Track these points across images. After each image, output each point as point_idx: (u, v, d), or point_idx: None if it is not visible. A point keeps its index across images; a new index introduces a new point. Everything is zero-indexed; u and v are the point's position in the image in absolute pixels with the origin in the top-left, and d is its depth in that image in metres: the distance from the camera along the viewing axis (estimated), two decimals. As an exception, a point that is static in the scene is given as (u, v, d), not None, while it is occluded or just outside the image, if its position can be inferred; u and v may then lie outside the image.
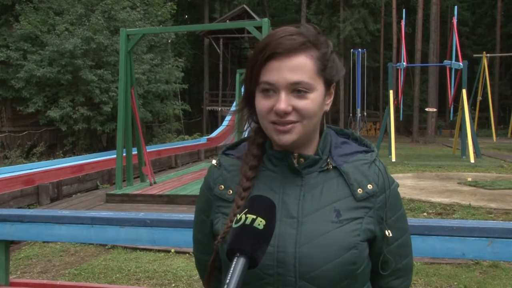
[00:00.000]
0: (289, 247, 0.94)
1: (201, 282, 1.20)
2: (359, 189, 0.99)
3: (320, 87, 0.96)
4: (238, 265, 0.80)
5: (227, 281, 0.78)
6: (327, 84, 0.98)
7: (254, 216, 0.83)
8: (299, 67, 0.92)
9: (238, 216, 0.85)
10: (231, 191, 1.03)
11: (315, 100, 0.94)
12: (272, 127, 0.95)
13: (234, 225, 0.85)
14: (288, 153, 0.99)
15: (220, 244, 0.96)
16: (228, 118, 24.11)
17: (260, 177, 1.02)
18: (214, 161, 1.10)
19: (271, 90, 0.93)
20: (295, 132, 0.94)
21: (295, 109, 0.93)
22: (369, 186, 0.99)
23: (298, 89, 0.92)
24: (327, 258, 0.93)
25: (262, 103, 0.95)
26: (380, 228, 1.00)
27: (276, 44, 0.92)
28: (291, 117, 0.93)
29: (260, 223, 0.82)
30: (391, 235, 1.01)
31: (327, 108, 1.01)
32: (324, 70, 0.96)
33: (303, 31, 0.95)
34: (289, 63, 0.92)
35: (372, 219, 0.99)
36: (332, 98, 1.02)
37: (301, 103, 0.93)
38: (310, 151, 1.01)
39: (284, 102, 0.92)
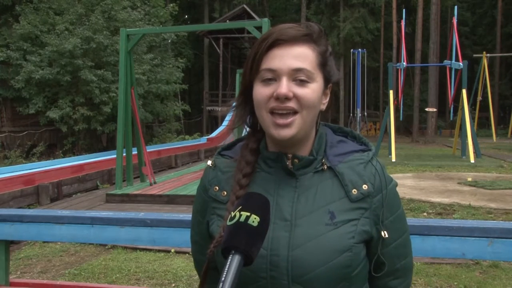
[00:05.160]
0: (282, 250, 0.93)
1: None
2: (354, 189, 0.97)
3: (320, 81, 0.96)
4: (233, 262, 0.80)
5: (223, 278, 0.78)
6: (326, 81, 0.98)
7: (248, 213, 0.83)
8: (302, 55, 0.93)
9: (232, 214, 0.85)
10: (225, 193, 1.02)
11: (315, 91, 0.94)
12: (270, 120, 0.94)
13: (228, 223, 0.84)
14: (282, 155, 0.98)
15: (215, 249, 0.94)
16: (228, 118, 24.10)
17: (255, 178, 1.00)
18: (209, 162, 1.08)
19: (272, 78, 0.93)
20: (294, 126, 0.93)
21: (296, 97, 0.92)
22: (364, 187, 0.97)
23: (300, 78, 0.92)
24: (320, 261, 0.92)
25: (261, 90, 0.94)
26: (377, 229, 0.98)
27: (280, 33, 0.93)
28: (291, 104, 0.92)
29: (254, 220, 0.82)
30: (387, 236, 0.99)
31: (323, 108, 1.00)
32: (324, 66, 0.96)
33: (307, 25, 0.97)
34: (292, 51, 0.93)
35: (368, 220, 0.97)
36: (327, 100, 1.01)
37: (302, 91, 0.92)
38: (305, 151, 1.00)
39: (285, 86, 0.91)
